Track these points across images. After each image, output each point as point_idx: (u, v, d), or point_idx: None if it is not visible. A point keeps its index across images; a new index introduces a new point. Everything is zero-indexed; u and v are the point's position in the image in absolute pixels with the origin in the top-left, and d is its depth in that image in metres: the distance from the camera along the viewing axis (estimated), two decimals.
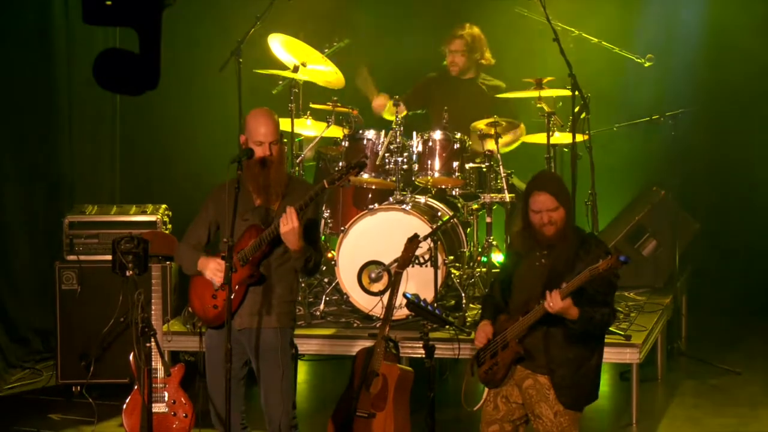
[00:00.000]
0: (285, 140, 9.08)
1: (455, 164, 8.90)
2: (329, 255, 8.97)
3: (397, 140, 8.87)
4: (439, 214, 8.84)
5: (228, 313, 6.25)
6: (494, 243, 9.01)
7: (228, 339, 6.24)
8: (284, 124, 9.20)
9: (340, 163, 8.85)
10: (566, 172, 8.86)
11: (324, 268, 9.16)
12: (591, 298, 6.06)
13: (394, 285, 7.36)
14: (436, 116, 9.47)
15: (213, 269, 6.44)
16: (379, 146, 8.93)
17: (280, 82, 9.59)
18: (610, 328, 8.01)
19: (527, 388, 6.21)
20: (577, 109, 8.66)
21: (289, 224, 6.29)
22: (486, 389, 6.36)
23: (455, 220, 8.87)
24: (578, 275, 5.94)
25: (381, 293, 8.52)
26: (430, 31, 10.63)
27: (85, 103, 10.26)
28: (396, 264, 7.48)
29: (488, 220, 9.07)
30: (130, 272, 6.17)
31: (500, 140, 8.98)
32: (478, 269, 8.94)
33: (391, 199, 8.87)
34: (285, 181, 6.55)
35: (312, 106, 9.48)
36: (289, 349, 6.57)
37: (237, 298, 6.46)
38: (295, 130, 9.33)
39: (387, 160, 8.89)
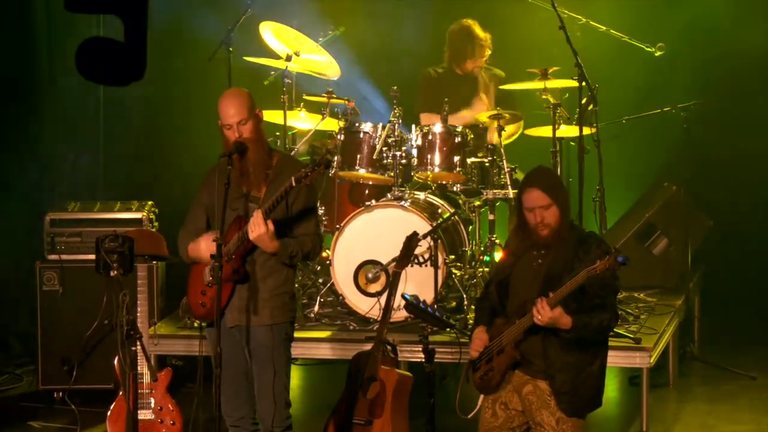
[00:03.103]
0: (278, 133, 9.25)
1: (456, 159, 8.90)
2: (324, 254, 8.97)
3: (395, 133, 8.88)
4: (440, 211, 8.84)
5: (217, 315, 6.26)
6: (497, 241, 9.01)
7: (218, 342, 6.26)
8: (277, 116, 9.22)
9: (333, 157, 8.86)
10: (573, 167, 8.88)
11: (319, 268, 9.17)
12: (590, 300, 6.06)
13: (392, 285, 7.37)
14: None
15: (205, 249, 6.44)
16: (377, 140, 8.93)
17: (272, 73, 9.59)
18: (619, 331, 8.05)
19: (527, 395, 6.20)
20: (584, 101, 8.67)
21: (256, 230, 6.29)
22: (481, 396, 6.35)
23: (456, 217, 8.87)
24: (571, 280, 5.93)
25: (378, 294, 8.53)
26: (427, 17, 10.64)
27: (67, 94, 10.26)
28: (394, 263, 7.49)
29: (491, 217, 9.08)
30: (115, 272, 6.16)
31: (503, 133, 9.01)
32: (481, 269, 8.94)
33: (388, 195, 8.87)
34: (266, 161, 6.52)
35: (306, 97, 9.48)
36: (283, 346, 6.55)
37: (224, 295, 6.44)
38: (288, 123, 9.33)
39: (384, 155, 8.89)
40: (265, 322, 6.50)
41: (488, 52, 9.59)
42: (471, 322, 8.41)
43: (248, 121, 6.46)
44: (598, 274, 5.90)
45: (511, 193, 8.85)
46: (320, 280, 9.08)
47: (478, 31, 9.56)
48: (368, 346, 7.31)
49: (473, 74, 9.62)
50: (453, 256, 8.68)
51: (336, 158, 8.96)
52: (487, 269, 8.95)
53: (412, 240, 7.49)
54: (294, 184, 6.26)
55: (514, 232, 6.38)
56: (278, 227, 6.39)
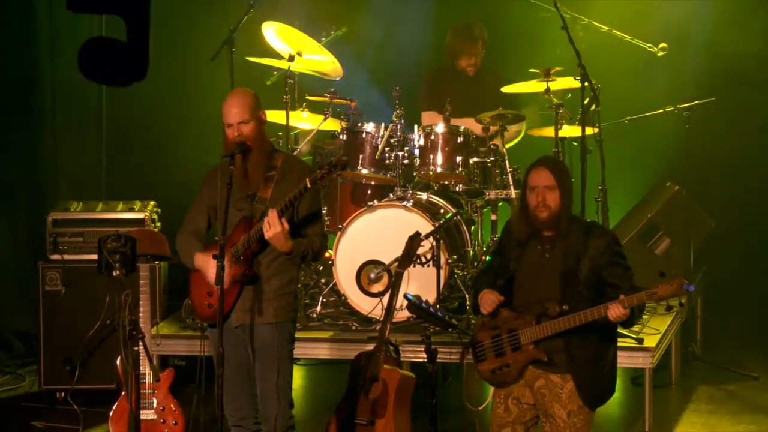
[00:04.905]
0: (280, 133, 9.24)
1: (458, 159, 8.89)
2: (326, 254, 8.96)
3: (398, 133, 8.87)
4: (442, 211, 8.83)
5: (220, 315, 6.26)
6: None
7: (220, 342, 6.25)
8: (279, 116, 9.21)
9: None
10: (575, 167, 8.87)
11: (321, 268, 9.16)
12: (617, 287, 6.10)
13: (394, 286, 7.36)
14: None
15: (213, 273, 6.43)
16: (379, 140, 8.92)
17: (275, 73, 9.59)
18: (622, 331, 8.03)
19: (539, 388, 6.22)
20: (586, 101, 8.66)
21: (271, 229, 6.29)
22: (492, 390, 6.37)
23: (458, 217, 8.86)
24: (636, 295, 5.99)
25: (381, 294, 8.52)
26: (430, 18, 10.64)
27: (69, 95, 10.25)
28: (396, 264, 7.48)
29: (493, 217, 9.07)
30: (117, 272, 6.15)
31: (505, 134, 9.00)
32: None
33: (391, 195, 8.86)
34: (265, 164, 6.52)
35: (308, 97, 9.48)
36: (286, 346, 6.56)
37: (231, 295, 6.47)
38: (291, 123, 9.32)
39: (387, 155, 8.88)
40: (269, 320, 6.51)
41: (481, 49, 9.53)
42: (473, 322, 8.42)
43: (250, 122, 6.46)
44: (661, 298, 6.01)
45: (513, 193, 8.84)
46: (322, 280, 9.07)
47: (477, 30, 9.53)
48: (370, 346, 7.30)
49: (476, 75, 9.59)
50: (455, 257, 8.67)
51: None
52: None
53: (414, 240, 7.48)
54: (309, 185, 6.27)
55: (516, 215, 6.40)
56: None
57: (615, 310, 6.00)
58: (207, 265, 6.50)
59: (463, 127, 8.96)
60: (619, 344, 7.87)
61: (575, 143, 9.16)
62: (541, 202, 6.22)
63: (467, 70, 9.57)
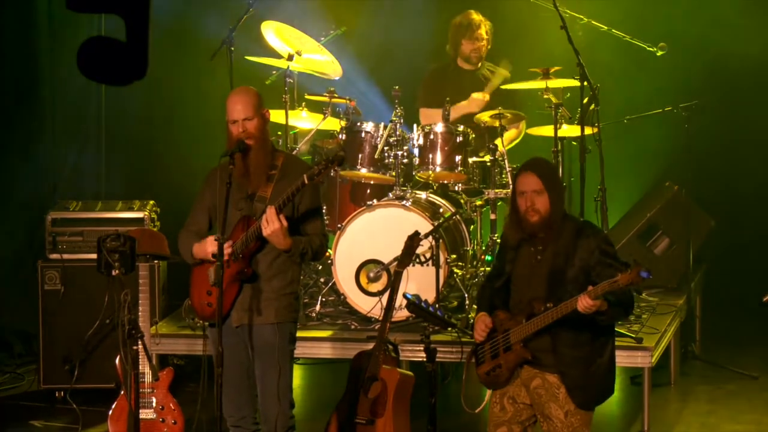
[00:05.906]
0: (280, 133, 9.25)
1: (458, 158, 8.90)
2: (326, 254, 8.96)
3: (397, 133, 8.87)
4: (441, 210, 8.84)
5: (219, 315, 6.26)
6: (498, 241, 9.00)
7: (219, 342, 6.26)
8: (278, 116, 9.21)
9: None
10: (575, 167, 8.88)
11: (320, 267, 9.16)
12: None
13: (393, 285, 7.37)
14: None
15: (209, 251, 6.43)
16: (378, 139, 8.93)
17: (274, 72, 9.59)
18: (621, 330, 8.05)
19: (536, 388, 6.22)
20: (586, 101, 8.66)
21: (270, 226, 6.29)
22: (488, 390, 6.37)
23: (458, 216, 8.87)
24: (600, 284, 5.94)
25: (380, 294, 8.52)
26: (429, 17, 10.64)
27: (68, 94, 10.25)
28: (396, 263, 7.48)
29: (492, 216, 9.07)
30: (116, 271, 6.16)
31: (505, 134, 9.00)
32: (482, 268, 8.94)
33: (390, 194, 8.87)
34: (267, 162, 6.53)
35: (307, 97, 9.48)
36: (287, 346, 6.56)
37: (231, 294, 6.47)
38: (290, 123, 9.33)
39: (386, 154, 8.88)
40: (271, 320, 6.51)
41: (485, 35, 9.51)
42: (473, 321, 8.42)
43: (254, 119, 6.46)
44: (621, 288, 5.91)
45: None
46: (322, 280, 9.08)
47: (475, 15, 9.53)
48: (370, 346, 7.30)
49: (476, 68, 9.58)
50: (454, 256, 8.68)
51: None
52: (488, 269, 8.94)
53: (413, 239, 7.48)
54: (306, 181, 6.27)
55: (507, 219, 6.41)
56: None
57: (583, 302, 5.94)
58: (205, 249, 6.48)
59: (462, 127, 8.97)
60: (618, 343, 7.90)
61: (574, 143, 9.16)
62: (530, 207, 6.20)
63: (471, 57, 9.53)
